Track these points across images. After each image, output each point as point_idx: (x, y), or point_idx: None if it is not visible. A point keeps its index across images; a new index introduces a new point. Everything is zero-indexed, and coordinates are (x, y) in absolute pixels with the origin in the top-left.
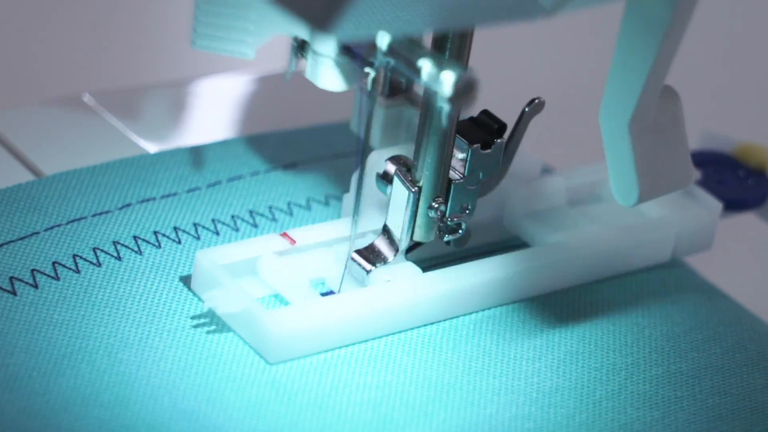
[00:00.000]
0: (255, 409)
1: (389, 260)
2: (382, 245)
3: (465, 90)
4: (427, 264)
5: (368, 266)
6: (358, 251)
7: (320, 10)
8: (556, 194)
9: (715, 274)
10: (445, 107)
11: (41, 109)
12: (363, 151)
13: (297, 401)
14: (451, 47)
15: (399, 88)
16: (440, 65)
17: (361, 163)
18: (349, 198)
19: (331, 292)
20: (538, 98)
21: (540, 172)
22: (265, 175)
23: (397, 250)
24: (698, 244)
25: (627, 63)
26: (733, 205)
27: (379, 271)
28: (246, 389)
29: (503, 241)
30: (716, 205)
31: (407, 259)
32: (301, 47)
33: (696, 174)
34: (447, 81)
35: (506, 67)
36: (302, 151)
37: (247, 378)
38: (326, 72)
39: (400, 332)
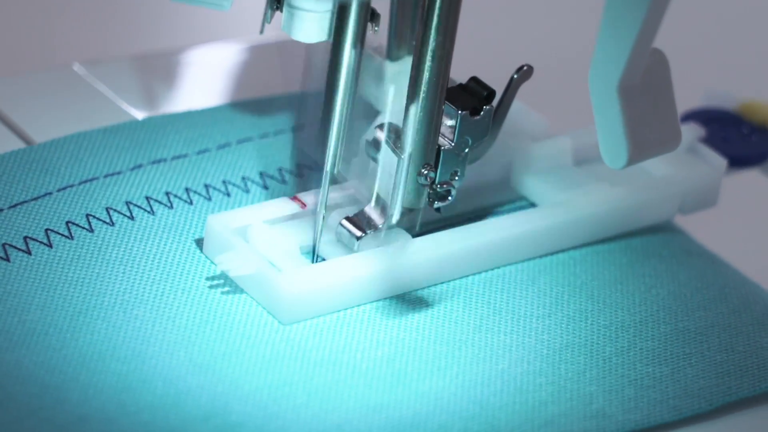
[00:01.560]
0: (270, 364)
1: (379, 227)
2: (371, 212)
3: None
4: (435, 225)
5: (358, 233)
6: (348, 218)
7: None
8: (562, 154)
9: (719, 230)
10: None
11: (32, 78)
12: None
13: (311, 357)
14: (440, 12)
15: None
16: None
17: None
18: (358, 160)
19: (323, 260)
20: (526, 65)
21: (546, 131)
22: (274, 137)
23: (386, 217)
24: (703, 201)
25: (616, 24)
26: (737, 161)
27: (369, 238)
28: (261, 346)
29: (510, 201)
30: (721, 162)
31: (397, 225)
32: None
33: (700, 131)
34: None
35: (495, 34)
36: (311, 113)
37: (261, 335)
38: (301, 24)
39: (412, 291)
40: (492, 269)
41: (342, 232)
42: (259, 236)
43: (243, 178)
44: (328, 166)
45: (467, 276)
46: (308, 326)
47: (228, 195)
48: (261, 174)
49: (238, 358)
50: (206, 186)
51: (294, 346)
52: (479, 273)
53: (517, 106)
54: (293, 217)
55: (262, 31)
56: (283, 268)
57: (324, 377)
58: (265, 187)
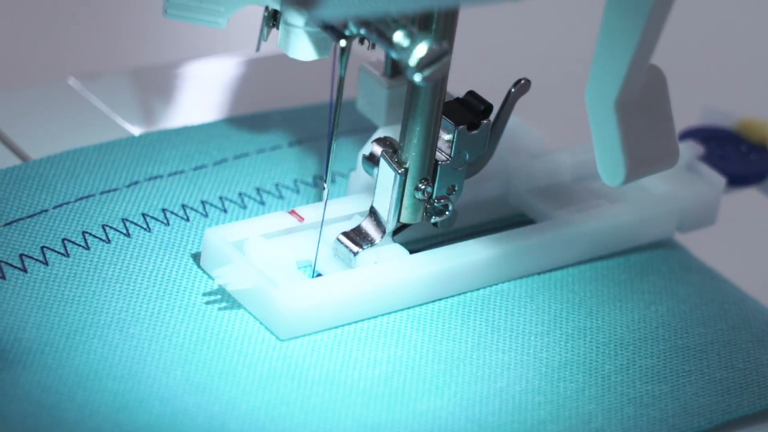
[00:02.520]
0: (267, 383)
1: (376, 242)
2: (369, 227)
3: (431, 60)
4: (432, 242)
5: (355, 248)
6: (345, 233)
7: None
8: (561, 170)
9: (718, 249)
10: (414, 78)
11: (26, 92)
12: (334, 120)
13: (309, 376)
14: (436, 27)
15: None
16: (410, 36)
17: (330, 137)
18: (355, 175)
19: (320, 275)
20: (524, 79)
21: (544, 147)
22: (271, 152)
23: (384, 232)
24: (702, 219)
25: (613, 42)
26: (735, 180)
27: (366, 253)
28: (258, 364)
29: (508, 218)
30: (719, 180)
31: (394, 240)
32: (272, 17)
33: (699, 149)
34: (413, 52)
35: (493, 48)
36: (307, 128)
37: (259, 353)
38: (297, 42)
39: (409, 308)
40: (490, 286)
41: (339, 247)
42: (256, 250)
43: (240, 194)
44: (327, 181)
45: (465, 293)
46: (305, 343)
47: (225, 211)
48: (258, 190)
49: (236, 377)
50: (203, 202)
51: (291, 364)
52: (477, 290)
53: (514, 121)
54: (290, 231)
55: (258, 49)
56: (280, 283)
57: (321, 396)
58: (262, 203)
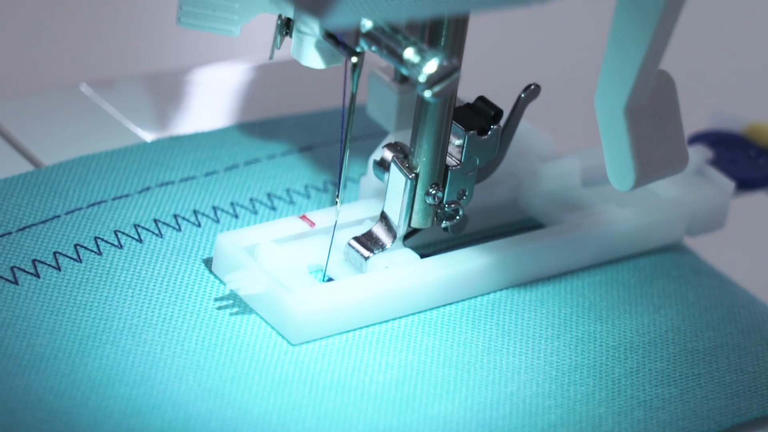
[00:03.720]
0: (279, 388)
1: (387, 247)
2: (380, 232)
3: (441, 76)
4: (443, 246)
5: (366, 253)
6: (356, 238)
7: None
8: (570, 174)
9: (727, 253)
10: (425, 94)
11: (38, 99)
12: (345, 134)
13: (320, 381)
14: (446, 34)
15: None
16: (420, 53)
17: (343, 145)
18: (366, 180)
19: (331, 280)
20: (533, 84)
21: (554, 152)
22: (281, 158)
23: (394, 237)
24: (711, 223)
25: (622, 47)
26: (744, 184)
27: (377, 258)
28: (270, 369)
29: (518, 222)
30: (728, 184)
31: (405, 245)
32: (285, 25)
33: (708, 154)
34: (424, 68)
35: (502, 54)
36: (318, 134)
37: (270, 358)
38: (310, 50)
39: (420, 312)
40: (500, 290)
41: (350, 252)
42: (268, 255)
43: (251, 200)
44: (341, 186)
45: (475, 297)
46: (317, 348)
47: (236, 216)
48: (269, 195)
49: (247, 382)
50: (214, 208)
51: (303, 368)
52: (487, 294)
53: (524, 126)
54: (302, 236)
55: (271, 57)
56: (291, 288)
57: (333, 401)
58: (273, 208)
